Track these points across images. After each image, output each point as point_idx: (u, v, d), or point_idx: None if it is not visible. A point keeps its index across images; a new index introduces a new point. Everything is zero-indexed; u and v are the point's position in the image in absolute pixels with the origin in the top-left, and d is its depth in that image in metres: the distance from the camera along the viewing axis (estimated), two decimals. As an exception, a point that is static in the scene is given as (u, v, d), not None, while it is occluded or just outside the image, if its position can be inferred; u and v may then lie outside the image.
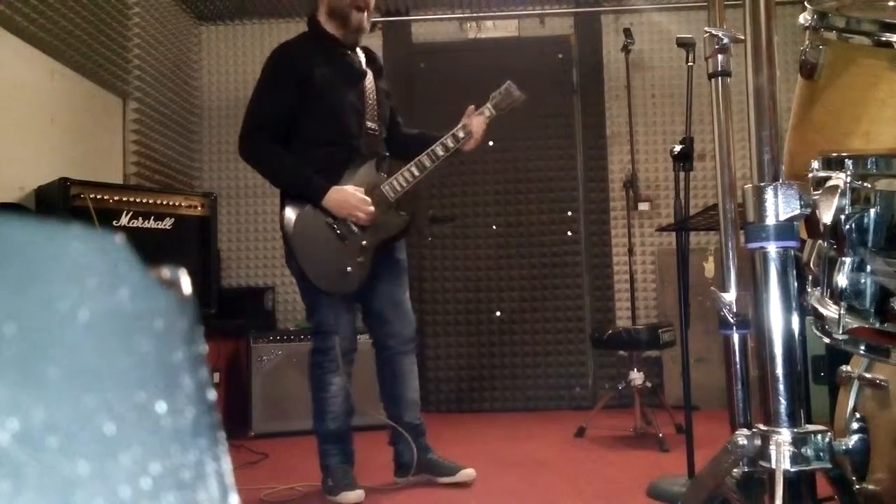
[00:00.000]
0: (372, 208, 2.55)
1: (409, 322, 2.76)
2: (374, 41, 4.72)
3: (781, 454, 1.03)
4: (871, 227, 1.09)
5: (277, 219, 4.66)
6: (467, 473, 2.70)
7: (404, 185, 2.62)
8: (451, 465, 2.72)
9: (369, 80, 2.70)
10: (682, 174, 2.44)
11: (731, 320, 1.49)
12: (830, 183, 1.11)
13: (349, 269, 2.55)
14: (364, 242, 2.58)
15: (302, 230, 2.54)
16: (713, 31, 1.54)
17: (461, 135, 2.65)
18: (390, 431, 2.76)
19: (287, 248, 2.59)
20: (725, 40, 1.52)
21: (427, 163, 2.61)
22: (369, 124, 2.66)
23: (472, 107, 2.71)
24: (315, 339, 2.65)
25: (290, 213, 2.55)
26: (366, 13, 2.62)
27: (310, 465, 3.07)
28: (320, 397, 2.61)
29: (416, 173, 2.61)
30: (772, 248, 1.07)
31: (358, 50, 2.71)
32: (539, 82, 4.71)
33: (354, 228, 2.56)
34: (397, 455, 2.76)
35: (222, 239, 4.64)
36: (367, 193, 2.57)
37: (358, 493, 2.51)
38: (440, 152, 2.62)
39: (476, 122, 2.66)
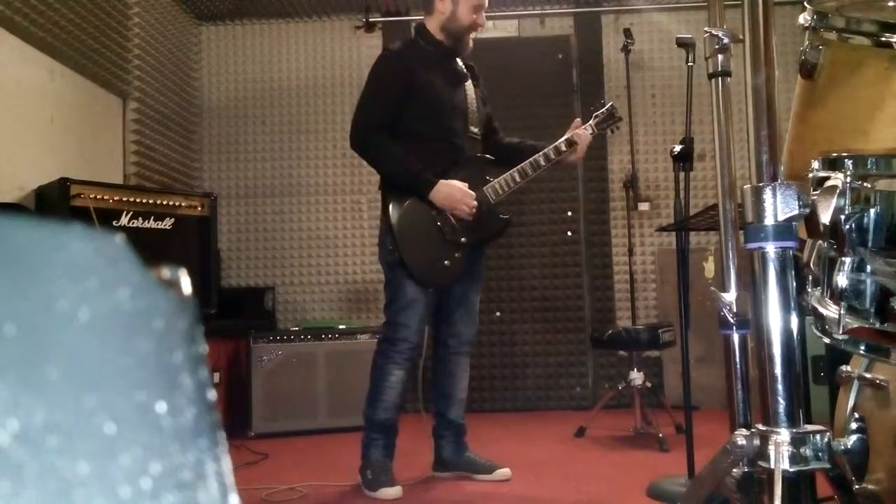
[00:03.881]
0: (475, 203, 2.64)
1: (474, 325, 2.88)
2: (374, 41, 4.73)
3: (780, 454, 1.03)
4: (871, 227, 1.09)
5: (279, 219, 4.75)
6: (504, 472, 2.76)
7: (506, 189, 2.72)
8: (489, 464, 2.80)
9: (469, 85, 2.83)
10: (682, 174, 2.44)
11: (732, 320, 1.49)
12: (829, 183, 1.11)
13: (447, 262, 2.65)
14: (463, 239, 2.67)
15: (406, 221, 2.61)
16: (713, 32, 1.54)
17: (563, 148, 2.74)
18: (434, 425, 2.85)
19: (386, 239, 2.64)
20: (725, 40, 1.52)
21: (529, 171, 2.72)
22: (472, 128, 2.79)
23: (577, 120, 2.82)
24: (387, 329, 2.70)
25: (395, 205, 2.62)
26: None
27: (310, 465, 3.07)
28: (379, 385, 2.67)
29: (518, 179, 2.72)
30: (770, 249, 1.07)
31: (458, 59, 2.82)
32: (539, 82, 4.71)
33: (456, 225, 2.65)
34: (439, 449, 2.84)
35: (222, 239, 4.64)
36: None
37: (397, 490, 2.56)
38: (542, 162, 2.72)
39: (583, 136, 2.76)
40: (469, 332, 2.86)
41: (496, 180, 2.72)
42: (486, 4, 2.75)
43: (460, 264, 2.67)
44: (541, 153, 2.72)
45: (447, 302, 2.79)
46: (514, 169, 2.72)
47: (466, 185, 2.66)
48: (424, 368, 3.06)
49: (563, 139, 2.75)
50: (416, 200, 2.62)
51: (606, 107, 2.85)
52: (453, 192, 2.62)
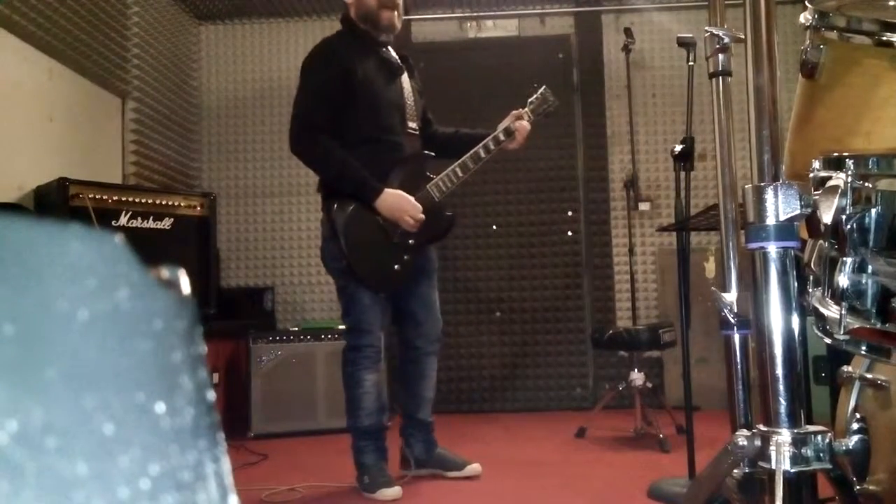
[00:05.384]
0: (422, 216, 2.60)
1: (438, 322, 2.84)
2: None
3: (781, 455, 1.03)
4: (873, 227, 1.09)
5: (278, 219, 4.75)
6: (474, 468, 2.78)
7: (449, 185, 2.67)
8: (459, 460, 2.80)
9: (405, 78, 2.76)
10: (682, 174, 2.44)
11: (732, 320, 1.49)
12: (831, 183, 1.11)
13: (396, 266, 2.61)
14: (411, 241, 2.63)
15: (352, 228, 2.55)
16: (714, 31, 1.54)
17: (502, 137, 2.71)
18: (402, 425, 2.83)
19: (332, 246, 2.58)
20: (726, 40, 1.52)
21: (470, 164, 2.67)
22: (410, 124, 2.72)
23: (515, 111, 2.77)
24: (350, 337, 2.67)
25: (340, 211, 2.55)
26: (395, 12, 2.67)
27: (309, 466, 3.07)
28: (355, 394, 2.64)
29: (461, 174, 2.67)
30: (772, 249, 1.07)
31: (390, 48, 2.75)
32: (539, 82, 4.70)
33: (403, 228, 2.60)
34: (408, 448, 2.82)
35: (221, 239, 4.64)
36: (413, 193, 2.62)
37: (396, 490, 2.55)
38: (482, 154, 2.68)
39: (520, 125, 2.72)
40: (435, 331, 2.82)
41: (439, 177, 2.67)
42: None
43: (410, 265, 2.65)
44: (480, 145, 2.68)
45: (408, 305, 2.76)
46: (456, 164, 2.67)
47: (409, 183, 2.61)
48: (391, 368, 3.04)
49: (500, 128, 2.73)
50: (360, 205, 2.56)
51: (539, 92, 2.82)
52: (401, 204, 2.57)
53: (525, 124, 2.74)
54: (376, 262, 2.59)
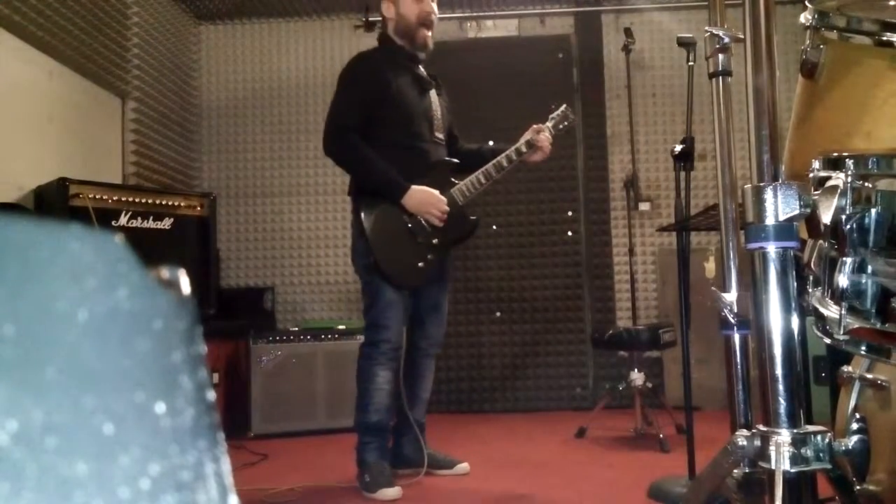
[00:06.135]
0: (447, 209, 2.72)
1: (443, 326, 2.95)
2: (374, 41, 4.71)
3: (781, 455, 1.03)
4: (872, 227, 1.09)
5: (278, 219, 4.76)
6: (463, 467, 2.86)
7: (473, 190, 2.80)
8: (449, 459, 2.87)
9: (433, 93, 2.90)
10: (682, 174, 2.43)
11: (732, 320, 1.49)
12: (830, 183, 1.11)
13: (420, 264, 2.71)
14: (436, 241, 2.73)
15: (379, 226, 2.67)
16: (714, 31, 1.54)
17: (524, 149, 2.83)
18: (395, 423, 2.86)
19: (360, 244, 2.69)
20: (726, 40, 1.52)
21: (494, 172, 2.80)
22: (437, 133, 2.86)
23: (535, 126, 2.89)
24: (369, 333, 2.74)
25: (367, 210, 2.68)
26: (431, 32, 2.84)
27: (309, 466, 3.07)
28: (366, 388, 2.69)
29: (484, 181, 2.80)
30: (771, 249, 1.07)
31: (421, 66, 2.90)
32: (539, 82, 4.71)
33: (428, 227, 2.71)
34: (399, 447, 2.87)
35: (221, 239, 4.64)
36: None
37: (396, 490, 2.57)
38: (505, 164, 2.81)
39: (542, 137, 2.84)
40: (439, 334, 2.94)
41: (462, 182, 2.80)
42: None
43: (433, 265, 2.75)
44: (503, 155, 2.81)
45: (418, 305, 2.85)
46: (479, 171, 2.80)
47: (434, 187, 2.72)
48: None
49: (522, 141, 2.84)
50: (387, 204, 2.68)
51: (560, 109, 2.96)
52: (427, 198, 2.69)
53: (545, 137, 2.85)
54: (401, 259, 2.69)
